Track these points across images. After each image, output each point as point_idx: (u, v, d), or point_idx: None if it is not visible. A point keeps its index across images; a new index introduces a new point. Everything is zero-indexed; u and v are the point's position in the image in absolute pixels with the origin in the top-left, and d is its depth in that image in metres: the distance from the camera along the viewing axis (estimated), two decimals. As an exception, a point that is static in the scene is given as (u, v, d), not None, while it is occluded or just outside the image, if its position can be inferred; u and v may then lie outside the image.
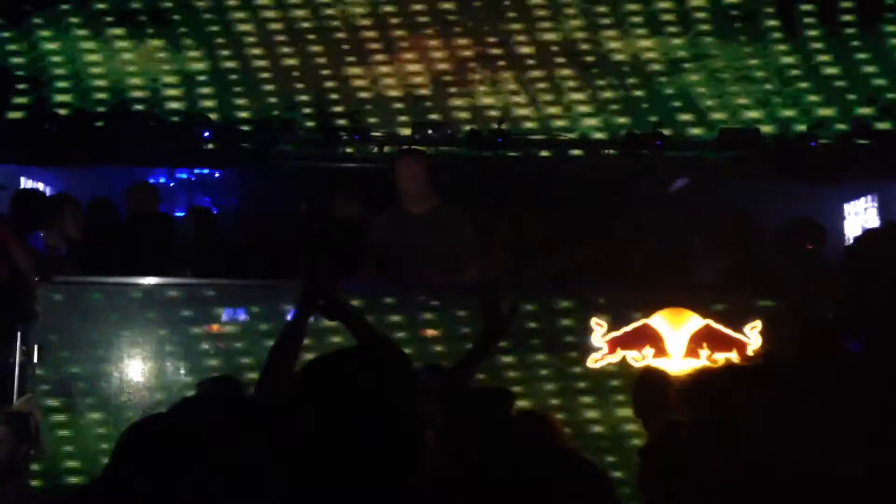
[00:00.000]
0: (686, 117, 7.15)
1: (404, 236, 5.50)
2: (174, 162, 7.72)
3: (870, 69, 7.24)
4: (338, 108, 7.14)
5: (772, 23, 7.25)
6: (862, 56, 7.27)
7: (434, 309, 5.23)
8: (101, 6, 7.08)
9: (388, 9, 7.25)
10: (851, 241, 6.57)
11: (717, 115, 7.12)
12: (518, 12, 7.26)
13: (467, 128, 7.10)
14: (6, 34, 6.97)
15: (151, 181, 8.01)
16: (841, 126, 7.05)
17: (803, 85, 7.18)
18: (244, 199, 8.68)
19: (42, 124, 6.49)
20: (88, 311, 5.08)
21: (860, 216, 8.01)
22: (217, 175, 8.75)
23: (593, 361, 5.20)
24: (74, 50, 7.00)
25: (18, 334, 4.88)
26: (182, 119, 6.90)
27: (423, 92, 7.20)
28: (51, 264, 5.29)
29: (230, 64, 7.11)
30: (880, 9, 7.35)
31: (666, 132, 6.97)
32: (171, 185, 8.82)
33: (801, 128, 7.04)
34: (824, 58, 7.24)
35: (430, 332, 5.26)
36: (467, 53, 7.26)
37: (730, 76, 7.15)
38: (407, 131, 6.89)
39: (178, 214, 7.97)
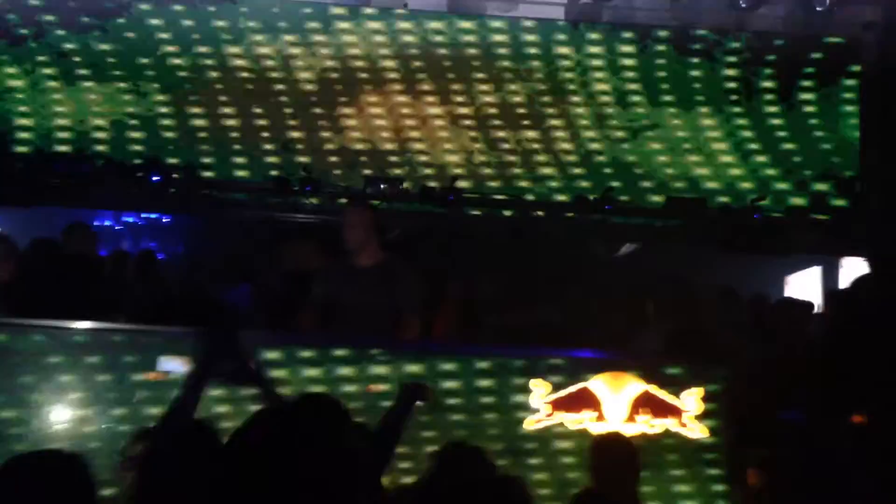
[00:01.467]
0: (642, 184, 7.28)
1: (348, 288, 5.47)
2: (122, 205, 7.68)
3: (825, 146, 7.45)
4: (294, 159, 7.18)
5: (733, 97, 7.44)
6: (816, 133, 7.47)
7: (385, 362, 5.15)
8: (45, 50, 7.11)
9: (356, 63, 7.34)
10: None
11: (673, 184, 7.27)
12: (482, 72, 7.37)
13: (420, 184, 7.16)
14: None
15: (96, 223, 7.93)
16: (793, 199, 7.24)
17: (754, 159, 7.37)
18: (191, 244, 8.62)
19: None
20: (20, 353, 4.96)
21: (803, 287, 8.16)
22: (165, 220, 8.70)
23: (531, 423, 5.17)
24: (24, 92, 7.00)
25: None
26: (131, 162, 6.91)
27: (379, 147, 7.26)
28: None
29: (181, 109, 7.14)
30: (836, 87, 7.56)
31: (620, 197, 7.08)
32: (118, 228, 8.74)
33: (748, 199, 7.20)
34: (776, 134, 7.43)
35: (378, 388, 5.14)
36: (427, 111, 7.34)
37: (689, 146, 7.31)
38: (355, 185, 6.94)
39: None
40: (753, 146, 7.44)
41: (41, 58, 7.13)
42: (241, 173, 7.23)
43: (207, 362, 2.98)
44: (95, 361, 4.95)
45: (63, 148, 7.05)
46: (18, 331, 4.94)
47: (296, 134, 7.28)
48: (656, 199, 7.29)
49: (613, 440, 4.64)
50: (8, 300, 5.42)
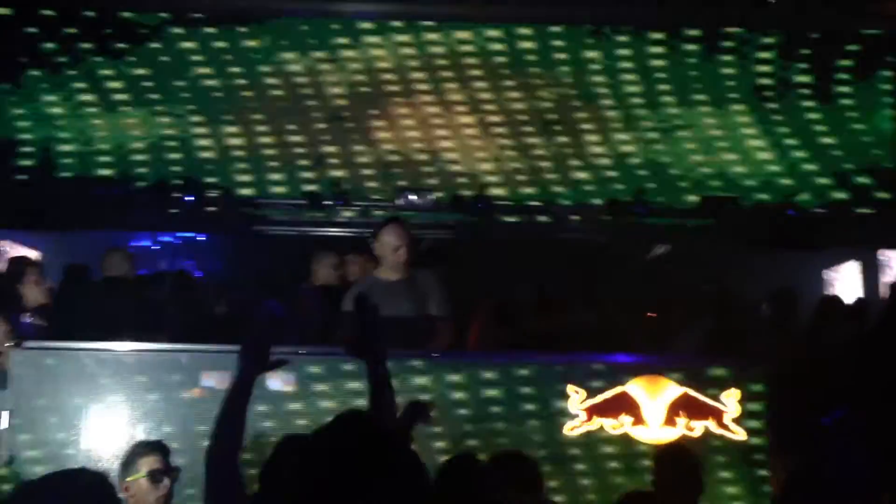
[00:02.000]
0: (666, 185, 7.24)
1: (380, 302, 5.49)
2: (157, 226, 7.79)
3: (864, 139, 7.35)
4: (326, 174, 7.24)
5: (768, 93, 7.38)
6: (855, 126, 7.38)
7: (426, 372, 5.19)
8: (75, 73, 7.23)
9: (384, 76, 7.39)
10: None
11: (700, 184, 7.22)
12: (509, 78, 7.37)
13: (449, 194, 7.18)
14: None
15: (133, 244, 8.04)
16: (833, 194, 7.16)
17: (786, 157, 7.30)
18: (227, 263, 8.70)
19: (22, 189, 6.57)
20: (58, 376, 5.05)
21: (841, 283, 8.07)
22: (201, 239, 8.79)
23: (570, 429, 5.17)
24: (53, 115, 7.13)
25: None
26: (165, 184, 7.02)
27: (407, 159, 7.29)
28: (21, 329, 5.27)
29: (220, 130, 7.23)
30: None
31: (651, 199, 7.05)
32: (156, 248, 8.85)
33: (782, 197, 7.13)
34: (805, 132, 7.36)
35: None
36: (456, 120, 7.36)
37: (722, 144, 7.26)
38: (385, 198, 6.99)
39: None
40: (791, 142, 7.36)
41: (78, 84, 7.25)
42: (274, 190, 7.29)
43: (249, 373, 2.99)
44: (141, 381, 5.03)
45: (101, 172, 7.16)
46: (65, 353, 5.03)
47: (327, 149, 7.34)
48: (690, 198, 7.25)
49: (678, 452, 4.62)
50: (47, 323, 5.51)
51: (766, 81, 7.44)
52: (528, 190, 7.29)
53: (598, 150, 7.34)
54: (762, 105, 7.39)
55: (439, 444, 4.99)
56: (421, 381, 5.11)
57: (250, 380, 2.98)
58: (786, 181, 7.30)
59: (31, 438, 4.92)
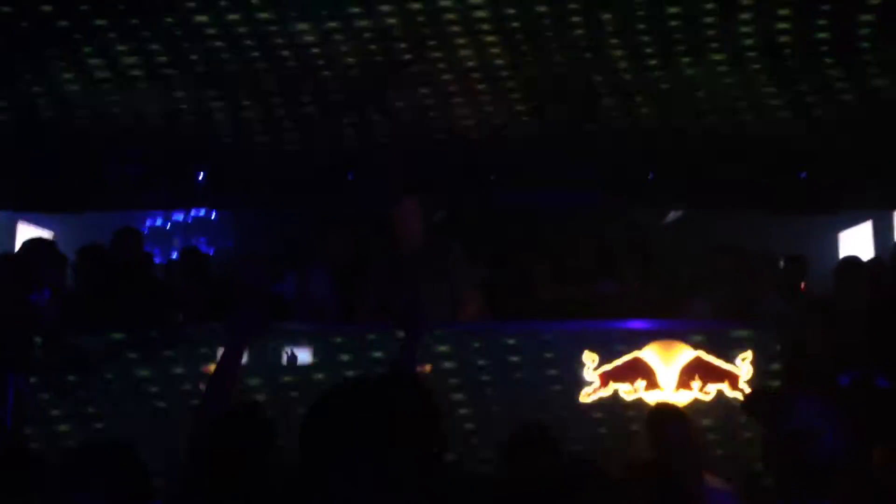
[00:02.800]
0: (678, 150, 7.15)
1: (401, 276, 5.51)
2: (169, 204, 7.79)
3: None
4: (333, 148, 7.19)
5: (760, 53, 7.24)
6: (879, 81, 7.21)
7: (445, 341, 5.23)
8: (91, 49, 7.16)
9: (379, 47, 7.30)
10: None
11: (708, 148, 7.12)
12: (525, 42, 7.26)
13: (464, 163, 7.13)
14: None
15: (147, 223, 8.06)
16: (833, 156, 7.05)
17: (794, 116, 7.18)
18: (239, 239, 8.72)
19: (38, 169, 6.57)
20: (81, 357, 5.10)
21: (856, 244, 8.00)
22: (213, 216, 8.80)
23: (585, 396, 5.17)
24: (67, 94, 7.08)
25: (10, 386, 4.89)
26: (178, 159, 6.98)
27: (416, 130, 7.23)
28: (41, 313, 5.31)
29: (226, 105, 7.18)
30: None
31: (663, 162, 6.97)
32: (167, 227, 8.88)
33: (792, 159, 7.04)
34: (814, 89, 7.23)
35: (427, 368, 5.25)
36: (466, 86, 7.26)
37: (719, 107, 7.14)
38: (399, 170, 6.95)
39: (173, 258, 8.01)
40: (806, 100, 7.23)
41: (91, 61, 7.17)
42: (286, 165, 7.25)
43: (238, 343, 3.06)
44: (167, 357, 5.10)
45: (114, 150, 7.10)
46: (93, 334, 5.10)
47: (341, 121, 7.27)
48: (702, 162, 7.15)
49: (668, 415, 4.55)
50: (65, 306, 5.54)
51: (782, 37, 7.28)
52: (543, 157, 7.22)
53: (612, 113, 7.24)
54: (777, 62, 7.24)
55: (463, 412, 5.05)
56: (442, 348, 5.17)
57: (239, 349, 3.05)
58: (800, 141, 7.20)
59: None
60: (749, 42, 6.94)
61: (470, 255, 5.82)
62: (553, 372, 5.19)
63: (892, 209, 7.69)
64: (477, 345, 5.21)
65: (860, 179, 6.97)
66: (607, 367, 5.20)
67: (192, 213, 8.72)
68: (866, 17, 6.97)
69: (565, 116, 7.14)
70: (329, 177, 7.05)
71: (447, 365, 5.19)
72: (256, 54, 7.13)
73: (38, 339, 5.01)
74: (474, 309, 5.55)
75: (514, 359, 5.21)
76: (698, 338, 5.19)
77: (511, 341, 5.23)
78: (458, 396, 5.14)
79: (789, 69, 7.09)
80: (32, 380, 4.98)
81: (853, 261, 6.27)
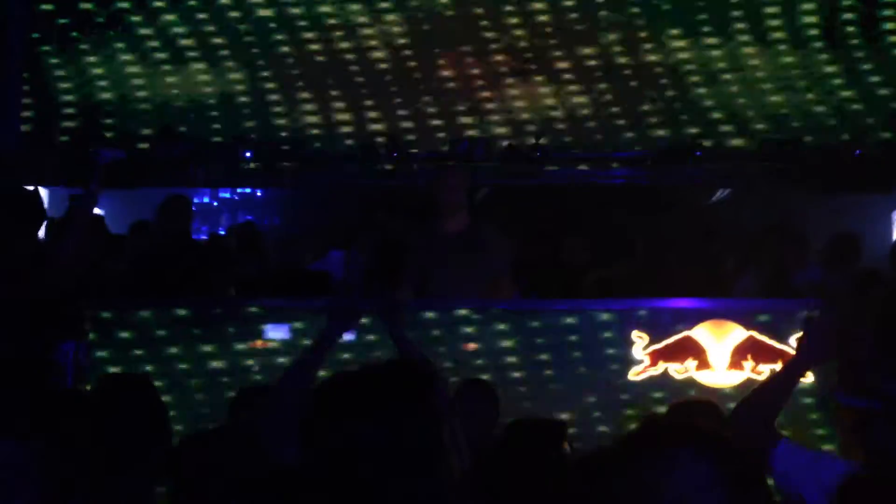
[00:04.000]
0: (726, 128, 7.09)
1: (440, 255, 5.53)
2: (218, 182, 7.84)
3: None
4: (376, 127, 7.20)
5: (813, 31, 7.14)
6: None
7: (474, 323, 5.27)
8: (145, 31, 7.21)
9: (425, 27, 7.29)
10: None
11: (759, 126, 7.05)
12: (554, 26, 7.24)
13: (504, 143, 7.12)
14: (54, 60, 7.13)
15: (196, 200, 8.11)
16: (886, 133, 6.95)
17: (846, 93, 7.08)
18: (286, 217, 8.78)
19: (87, 148, 6.63)
20: (136, 329, 5.19)
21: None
22: (259, 194, 8.86)
23: (635, 374, 5.17)
24: (118, 75, 7.15)
25: (71, 353, 4.97)
26: (224, 140, 7.03)
27: (460, 108, 7.22)
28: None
29: (270, 85, 7.21)
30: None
31: (706, 143, 6.92)
32: (215, 204, 8.95)
33: (845, 136, 6.94)
34: (866, 66, 7.13)
35: (471, 346, 5.31)
36: (503, 69, 7.25)
37: (771, 85, 7.06)
38: (444, 148, 6.95)
39: (221, 233, 8.08)
40: (842, 81, 7.14)
41: (151, 43, 7.19)
42: (329, 143, 7.27)
43: (332, 331, 3.09)
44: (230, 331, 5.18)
45: (165, 130, 7.15)
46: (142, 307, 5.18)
47: (380, 101, 7.28)
48: (746, 142, 7.10)
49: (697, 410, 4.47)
50: (117, 279, 5.62)
51: (814, 19, 7.19)
52: (587, 136, 7.19)
53: (654, 94, 7.20)
54: (811, 43, 7.16)
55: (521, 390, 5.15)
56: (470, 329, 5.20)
57: (334, 336, 3.10)
58: (848, 120, 7.10)
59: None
60: (807, 20, 6.90)
61: (506, 234, 5.82)
62: (612, 351, 5.21)
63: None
64: (536, 324, 5.25)
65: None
66: (657, 345, 5.19)
67: (239, 191, 8.79)
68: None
69: (615, 92, 7.10)
70: (375, 155, 7.07)
71: (504, 344, 5.20)
72: (309, 35, 7.18)
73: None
74: (507, 292, 5.57)
75: (573, 338, 5.23)
76: (749, 317, 5.16)
77: (569, 320, 5.25)
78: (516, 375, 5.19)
79: (847, 48, 7.02)
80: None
81: None
